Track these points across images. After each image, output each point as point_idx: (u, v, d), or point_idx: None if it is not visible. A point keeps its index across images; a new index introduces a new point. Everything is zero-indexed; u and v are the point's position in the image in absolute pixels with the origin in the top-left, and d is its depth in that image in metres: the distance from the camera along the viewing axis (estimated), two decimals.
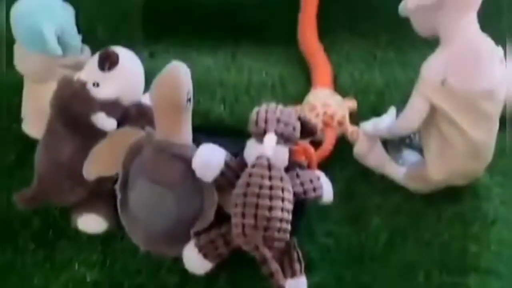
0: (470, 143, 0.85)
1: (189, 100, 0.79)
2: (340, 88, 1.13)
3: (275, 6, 1.26)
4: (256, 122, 0.79)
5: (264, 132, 0.78)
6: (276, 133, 0.78)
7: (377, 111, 1.06)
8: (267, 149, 0.76)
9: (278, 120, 0.79)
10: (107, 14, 1.30)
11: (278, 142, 0.78)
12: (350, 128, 1.03)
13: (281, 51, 1.24)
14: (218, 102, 1.12)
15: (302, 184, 0.81)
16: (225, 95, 1.14)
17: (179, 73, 0.78)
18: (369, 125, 0.95)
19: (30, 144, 0.99)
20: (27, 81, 1.04)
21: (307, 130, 0.84)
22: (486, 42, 0.85)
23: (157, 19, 1.29)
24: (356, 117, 1.06)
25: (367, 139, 0.97)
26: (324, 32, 1.21)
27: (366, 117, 1.03)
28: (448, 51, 0.84)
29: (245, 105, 1.12)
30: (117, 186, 0.84)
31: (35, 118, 1.01)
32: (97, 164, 0.84)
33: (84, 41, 1.05)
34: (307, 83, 1.15)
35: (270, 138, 0.77)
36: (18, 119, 1.07)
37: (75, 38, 1.01)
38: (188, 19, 1.30)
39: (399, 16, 0.89)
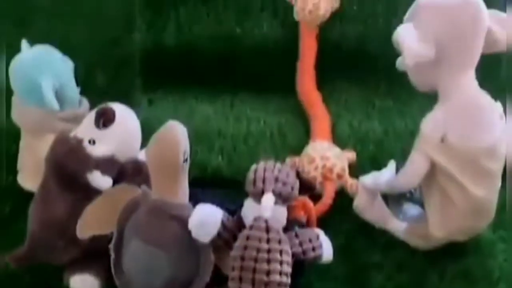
0: (471, 200, 0.84)
1: (185, 160, 0.78)
2: (339, 138, 1.12)
3: (274, 55, 1.26)
4: (254, 182, 0.77)
5: (262, 192, 0.76)
6: (274, 193, 0.76)
7: (377, 161, 1.05)
8: (265, 210, 0.75)
9: (276, 179, 0.77)
10: (106, 62, 1.31)
11: (276, 202, 0.76)
12: (349, 181, 1.01)
13: (279, 100, 1.24)
14: (216, 153, 1.12)
15: (301, 244, 0.79)
16: (223, 145, 1.13)
17: (176, 133, 0.77)
18: (369, 179, 0.94)
19: (25, 197, 0.97)
20: (24, 134, 1.03)
21: (306, 187, 0.83)
22: (485, 98, 0.85)
23: (156, 67, 1.29)
24: (356, 167, 1.05)
25: (367, 192, 0.95)
26: (323, 81, 1.21)
27: (365, 166, 1.02)
28: (447, 107, 0.83)
29: (243, 155, 1.11)
30: (111, 246, 0.82)
31: (31, 171, 1.00)
32: (91, 223, 0.83)
33: (82, 89, 1.05)
34: (305, 133, 1.14)
35: (268, 199, 0.75)
36: (14, 171, 1.06)
37: (74, 92, 1.01)
38: (187, 67, 1.30)
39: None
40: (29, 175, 1.01)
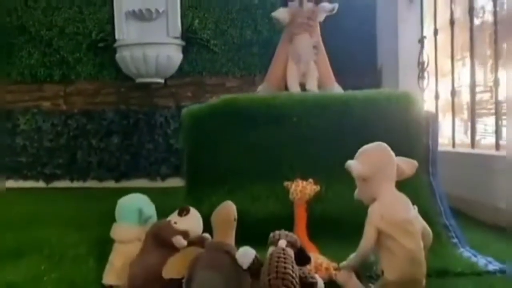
0: (406, 253, 1.36)
1: (234, 219, 1.35)
2: None
3: (276, 224, 1.86)
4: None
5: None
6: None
7: None
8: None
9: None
10: None
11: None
12: (333, 271, 1.52)
13: None
14: None
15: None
16: None
17: (230, 206, 1.38)
18: (345, 261, 1.47)
19: None
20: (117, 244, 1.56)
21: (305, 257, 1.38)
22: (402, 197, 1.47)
23: None
24: None
25: (345, 272, 1.46)
26: (313, 237, 1.81)
27: None
28: (381, 202, 1.45)
29: None
30: (184, 281, 1.30)
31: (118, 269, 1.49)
32: (172, 269, 1.33)
33: None
34: None
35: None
36: None
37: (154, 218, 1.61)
38: None
39: None
40: (114, 272, 1.49)
